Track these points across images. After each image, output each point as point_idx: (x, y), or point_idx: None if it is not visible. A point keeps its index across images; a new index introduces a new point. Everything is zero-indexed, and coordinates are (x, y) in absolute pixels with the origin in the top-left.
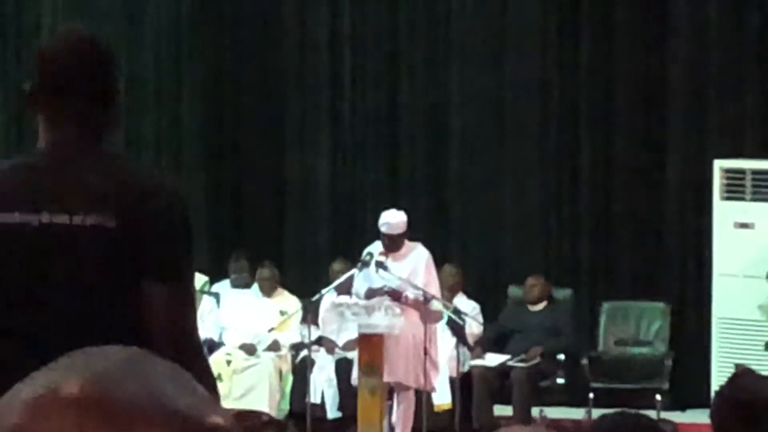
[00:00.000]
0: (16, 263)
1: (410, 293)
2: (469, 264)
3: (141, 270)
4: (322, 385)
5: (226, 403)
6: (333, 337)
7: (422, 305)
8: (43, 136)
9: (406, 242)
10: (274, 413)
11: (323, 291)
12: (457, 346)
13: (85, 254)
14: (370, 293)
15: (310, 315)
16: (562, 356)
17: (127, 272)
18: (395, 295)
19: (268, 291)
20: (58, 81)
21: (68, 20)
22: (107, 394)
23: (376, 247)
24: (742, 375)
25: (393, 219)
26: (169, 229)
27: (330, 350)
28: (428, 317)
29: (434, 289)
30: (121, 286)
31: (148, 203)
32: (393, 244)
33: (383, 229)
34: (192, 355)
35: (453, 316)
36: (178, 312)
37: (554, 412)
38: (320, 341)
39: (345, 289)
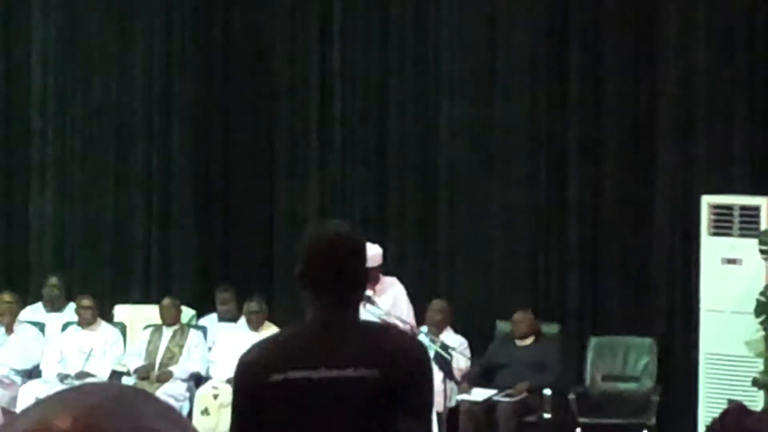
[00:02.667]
0: (295, 413)
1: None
2: (456, 299)
3: (398, 411)
4: None
5: None
6: None
7: None
8: (310, 309)
9: (382, 277)
10: None
11: None
12: (444, 381)
13: (355, 400)
14: None
15: None
16: (548, 391)
17: (387, 413)
18: None
19: (256, 325)
20: (322, 271)
21: (58, 53)
22: (98, 429)
23: None
24: (734, 410)
25: (369, 252)
26: (420, 377)
27: None
28: None
29: (412, 321)
30: (382, 424)
31: (402, 357)
32: (370, 278)
33: None
34: None
35: (440, 351)
36: None
37: None
38: None
39: None
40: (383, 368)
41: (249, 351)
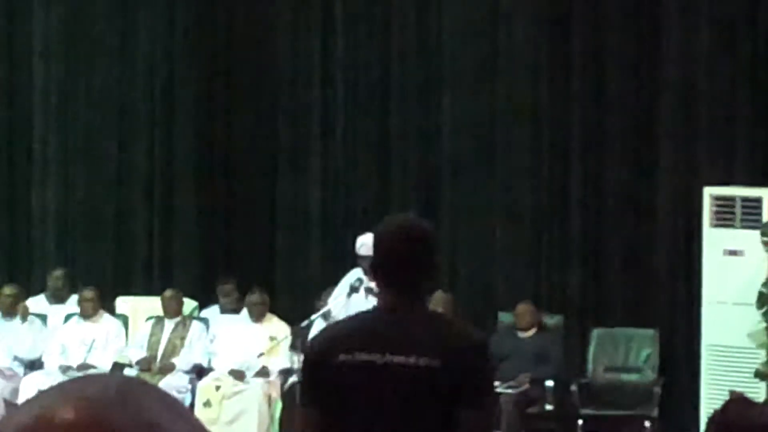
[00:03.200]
0: (359, 394)
1: None
2: (459, 290)
3: (457, 400)
4: None
5: (215, 429)
6: None
7: None
8: (380, 296)
9: None
10: None
11: (312, 317)
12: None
13: (416, 388)
14: None
15: (300, 341)
16: (551, 383)
17: (446, 402)
18: None
19: (257, 316)
20: (391, 259)
21: (60, 44)
22: (102, 420)
23: (355, 274)
24: (736, 402)
25: (370, 240)
26: (480, 368)
27: None
28: None
29: None
30: (441, 413)
31: (464, 347)
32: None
33: (361, 251)
34: None
35: None
36: (483, 430)
37: None
38: None
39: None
40: (445, 358)
41: (321, 331)
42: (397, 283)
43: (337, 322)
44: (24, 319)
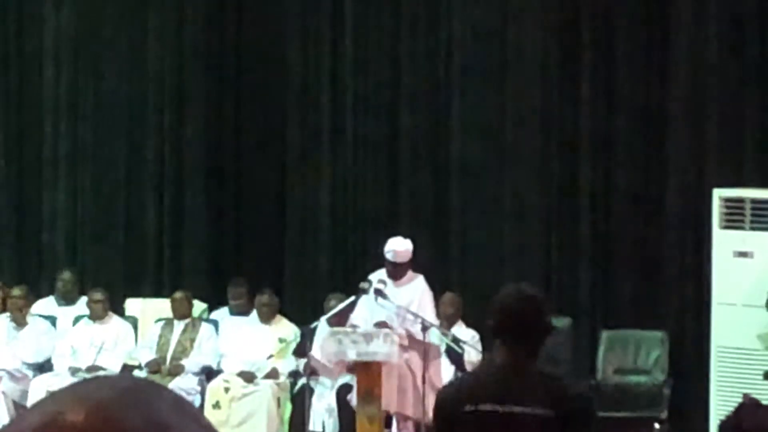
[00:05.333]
0: None
1: (406, 323)
2: (468, 292)
3: None
4: (323, 415)
5: (225, 431)
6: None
7: (419, 341)
8: (498, 352)
9: (409, 272)
10: None
11: (321, 318)
12: (455, 374)
13: None
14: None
15: (308, 343)
16: None
17: None
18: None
19: (266, 318)
20: (510, 322)
21: (70, 45)
22: (112, 422)
23: (379, 275)
24: (748, 405)
25: (399, 247)
26: (584, 421)
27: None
28: (427, 352)
29: (432, 319)
30: None
31: (572, 402)
32: (396, 272)
33: (388, 256)
34: None
35: (452, 345)
36: None
37: None
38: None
39: (343, 316)
40: (556, 409)
41: (450, 384)
42: (514, 342)
43: (464, 374)
44: (20, 324)
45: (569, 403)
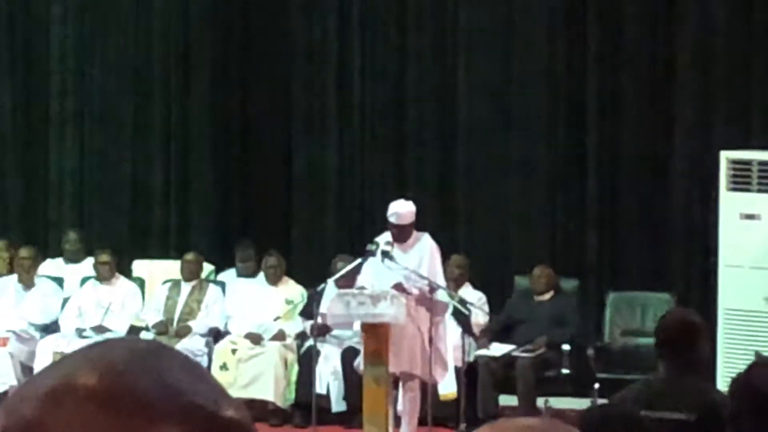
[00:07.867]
0: None
1: (416, 284)
2: (475, 254)
3: None
4: (328, 377)
5: (232, 392)
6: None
7: (428, 298)
8: (661, 365)
9: (414, 232)
10: (279, 402)
11: (329, 280)
12: (462, 336)
13: None
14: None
15: (315, 304)
16: (567, 346)
17: None
18: (400, 289)
19: (273, 280)
20: (674, 343)
21: (76, 7)
22: (124, 386)
23: (384, 238)
24: (761, 365)
25: (402, 209)
26: (720, 424)
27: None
28: (434, 309)
29: (440, 279)
30: None
31: (714, 407)
32: (401, 235)
33: (392, 219)
34: None
35: (459, 306)
36: None
37: (559, 403)
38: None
39: (350, 278)
40: (701, 413)
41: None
42: (675, 361)
43: (631, 386)
44: (28, 286)
45: (710, 407)
